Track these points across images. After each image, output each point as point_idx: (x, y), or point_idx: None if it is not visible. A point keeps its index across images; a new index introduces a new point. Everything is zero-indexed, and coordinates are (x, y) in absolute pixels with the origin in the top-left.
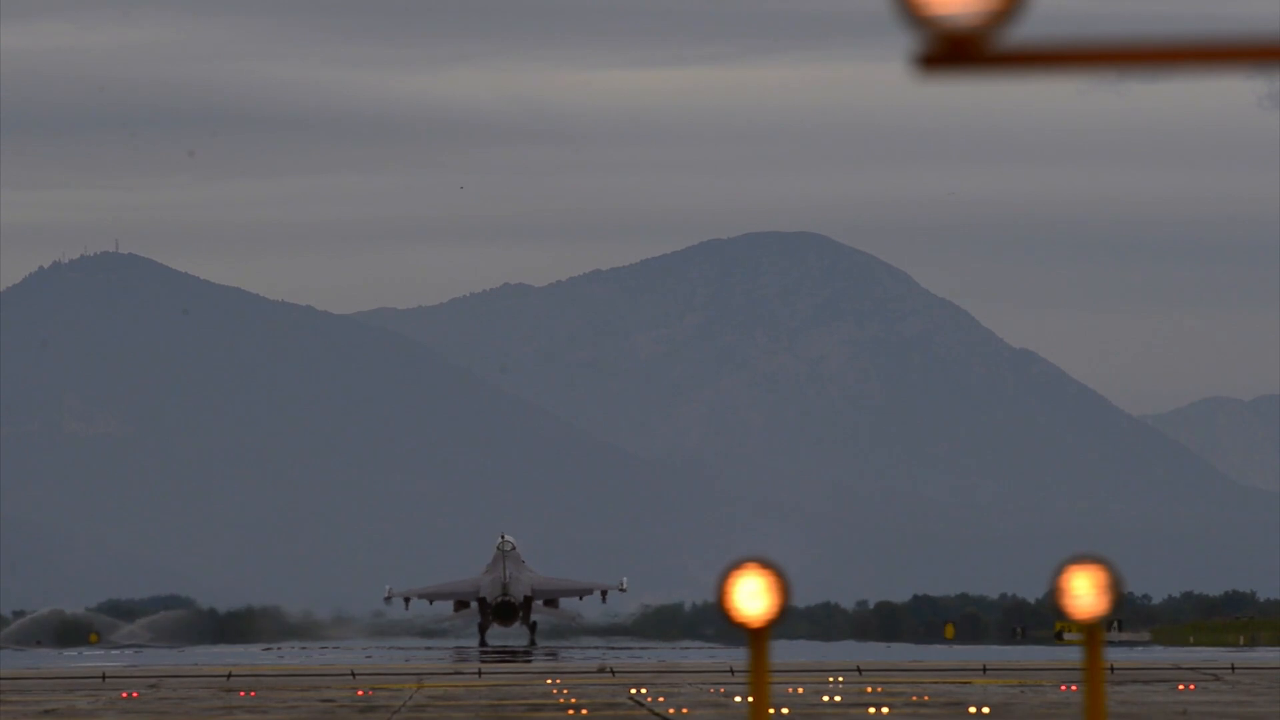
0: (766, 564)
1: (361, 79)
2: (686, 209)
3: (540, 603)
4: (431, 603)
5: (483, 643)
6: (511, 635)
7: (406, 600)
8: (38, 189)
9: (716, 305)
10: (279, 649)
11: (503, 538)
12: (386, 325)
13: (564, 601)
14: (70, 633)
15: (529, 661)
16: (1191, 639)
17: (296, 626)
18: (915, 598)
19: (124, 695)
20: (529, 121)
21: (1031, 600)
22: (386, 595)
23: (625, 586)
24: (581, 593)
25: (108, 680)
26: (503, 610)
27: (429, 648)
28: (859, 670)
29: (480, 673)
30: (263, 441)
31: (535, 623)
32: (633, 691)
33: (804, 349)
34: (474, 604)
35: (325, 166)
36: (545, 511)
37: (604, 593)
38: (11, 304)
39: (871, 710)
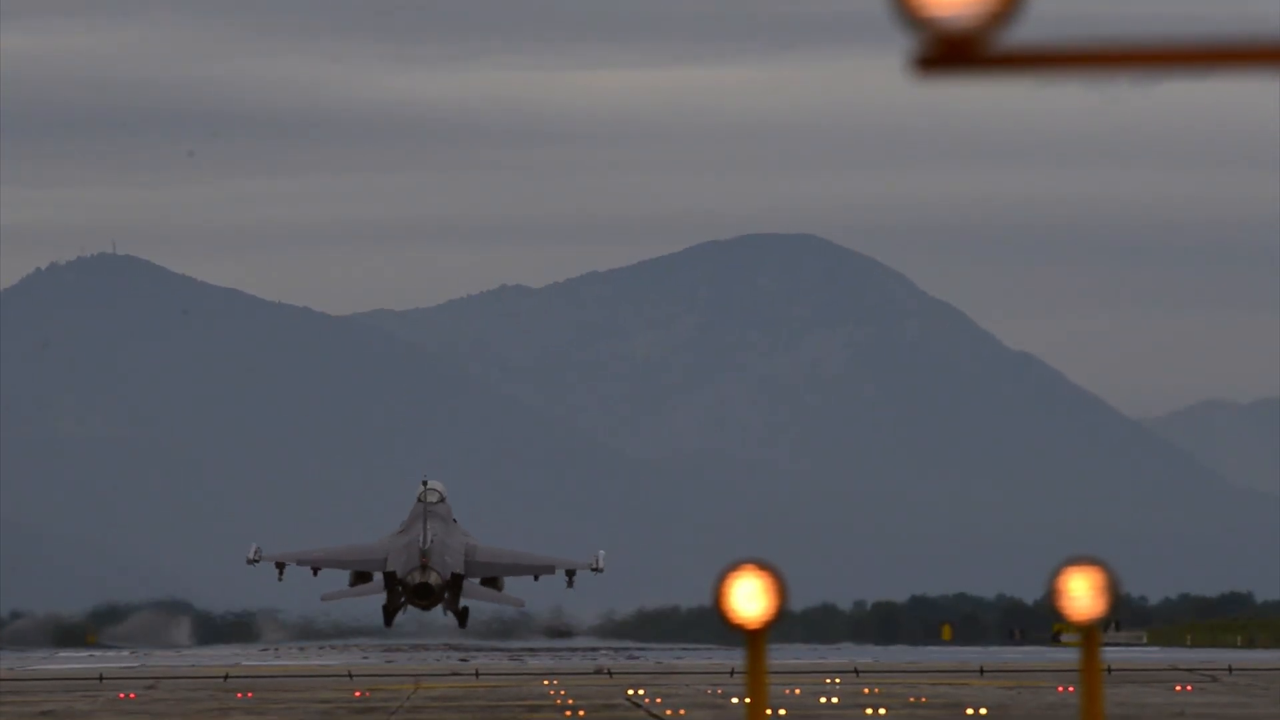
0: (764, 565)
1: (358, 80)
2: (684, 210)
3: (477, 581)
4: (316, 573)
5: (389, 627)
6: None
7: (280, 568)
8: (35, 189)
9: (714, 307)
10: (276, 649)
11: (425, 484)
12: (383, 327)
13: (511, 583)
14: (67, 636)
15: (465, 661)
16: (1189, 639)
17: (295, 629)
18: (913, 599)
19: (121, 696)
20: (526, 122)
21: (1029, 601)
22: (251, 557)
23: (601, 565)
24: (538, 571)
25: (105, 681)
26: (420, 590)
27: (427, 647)
28: (856, 672)
29: (478, 674)
30: (259, 443)
31: (466, 609)
32: (630, 692)
33: (802, 350)
34: (378, 578)
35: (322, 168)
36: (541, 514)
37: (571, 573)
38: (8, 306)
39: (869, 711)
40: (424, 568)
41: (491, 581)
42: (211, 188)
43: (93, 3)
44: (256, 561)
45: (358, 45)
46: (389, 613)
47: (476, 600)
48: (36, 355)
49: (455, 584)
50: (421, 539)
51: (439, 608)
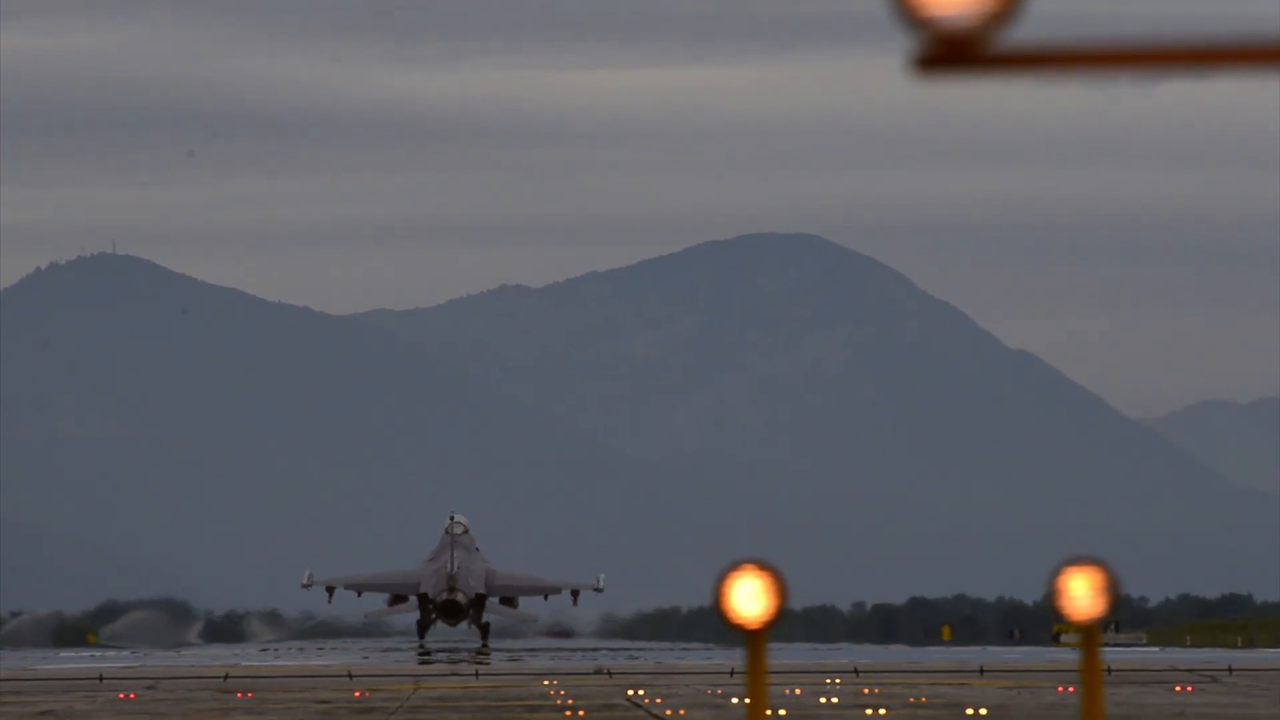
0: (764, 565)
1: (358, 79)
2: (684, 210)
3: (496, 600)
4: (360, 595)
5: (422, 644)
6: (461, 634)
7: (330, 591)
8: (35, 189)
9: (714, 307)
10: (275, 649)
11: (452, 519)
12: (383, 326)
13: (525, 602)
14: (67, 634)
15: (486, 664)
16: (1189, 640)
17: (295, 628)
18: (912, 599)
19: (121, 696)
20: (526, 122)
21: (1029, 602)
22: (305, 582)
23: (602, 585)
24: (547, 591)
25: (105, 681)
26: (448, 609)
27: (427, 648)
28: (856, 672)
29: (478, 674)
30: (259, 443)
31: (488, 623)
32: (630, 693)
33: (801, 350)
34: (413, 599)
35: (322, 168)
36: (541, 514)
37: (575, 592)
38: (8, 306)
39: (869, 711)
40: (451, 589)
41: (509, 601)
42: (211, 188)
43: (93, 3)
44: (309, 586)
45: (358, 45)
46: (422, 628)
47: (496, 616)
48: (36, 355)
49: (478, 603)
50: (449, 564)
51: (462, 624)
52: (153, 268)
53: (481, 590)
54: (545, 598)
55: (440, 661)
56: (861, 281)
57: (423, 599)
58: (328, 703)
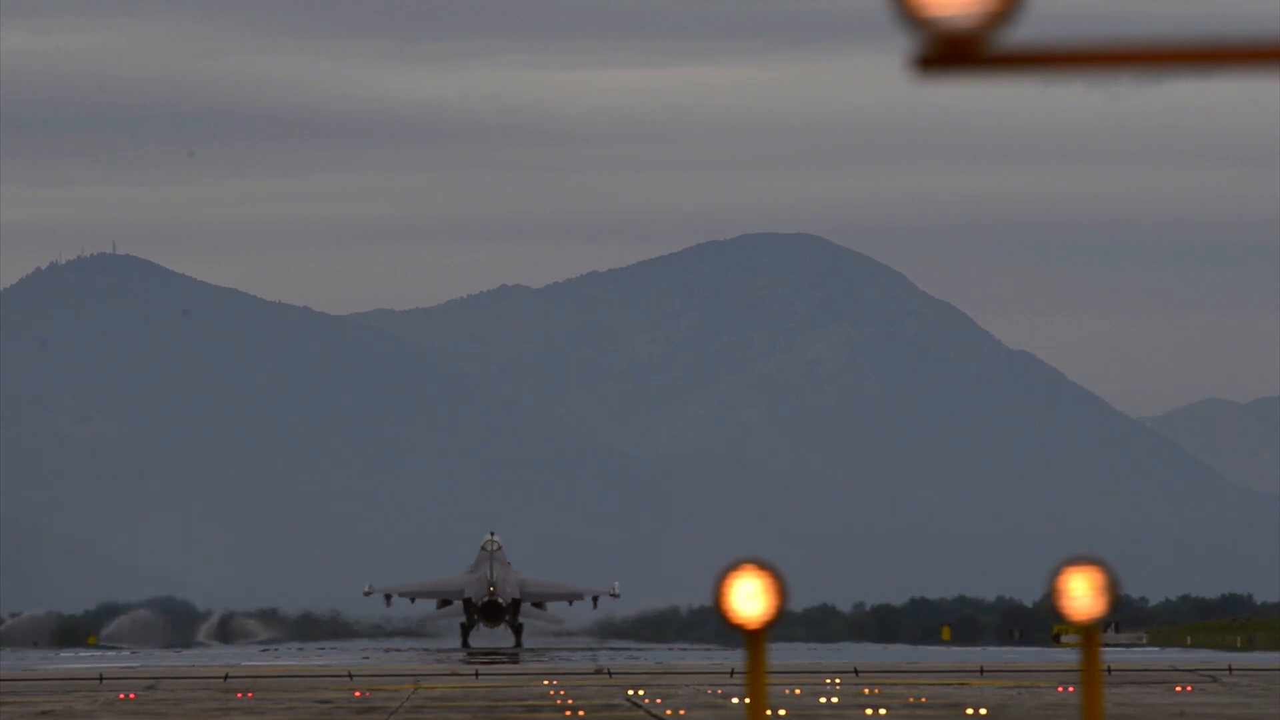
0: (764, 565)
1: (359, 80)
2: (683, 210)
3: (528, 605)
4: (413, 600)
5: (465, 644)
6: (496, 637)
7: (388, 597)
8: (35, 189)
9: (714, 306)
10: (275, 649)
11: (490, 536)
12: (383, 326)
13: (551, 606)
14: (67, 634)
15: (515, 663)
16: (1189, 640)
17: (294, 627)
18: (912, 600)
19: (121, 696)
20: (526, 122)
21: (1029, 602)
22: (366, 591)
23: (618, 592)
24: (571, 597)
25: (105, 681)
26: (489, 610)
27: (426, 649)
28: (856, 672)
29: (477, 674)
30: (259, 443)
31: (521, 625)
32: (630, 693)
33: (801, 350)
34: (458, 603)
35: (322, 167)
36: (542, 513)
37: (595, 598)
38: (8, 305)
39: (869, 712)
40: (491, 593)
41: (539, 605)
42: (211, 188)
43: (93, 3)
44: (370, 594)
45: (358, 45)
46: (465, 630)
47: (528, 619)
48: (36, 354)
49: (514, 606)
50: (489, 573)
51: (496, 628)
52: (153, 268)
53: (517, 596)
54: (570, 603)
55: (477, 661)
56: (861, 281)
57: (467, 603)
58: (328, 703)
